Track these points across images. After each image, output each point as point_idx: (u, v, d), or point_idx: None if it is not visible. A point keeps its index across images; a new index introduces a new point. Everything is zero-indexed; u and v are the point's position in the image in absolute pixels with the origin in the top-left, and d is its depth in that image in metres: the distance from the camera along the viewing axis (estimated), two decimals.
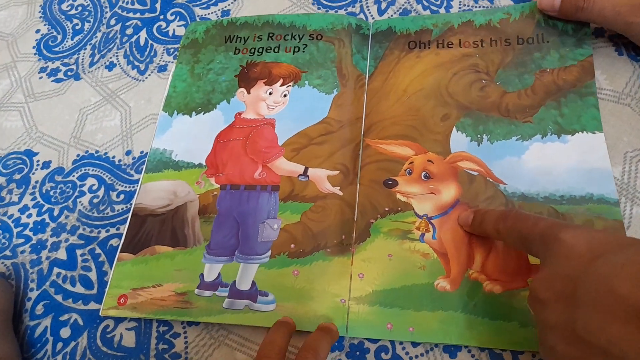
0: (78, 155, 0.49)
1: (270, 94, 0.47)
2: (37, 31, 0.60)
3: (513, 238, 0.32)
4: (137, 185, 0.46)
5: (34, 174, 0.49)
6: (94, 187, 0.47)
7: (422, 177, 0.40)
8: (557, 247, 0.27)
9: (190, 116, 0.48)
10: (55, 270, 0.44)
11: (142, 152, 0.48)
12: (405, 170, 0.40)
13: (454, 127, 0.41)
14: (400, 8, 0.50)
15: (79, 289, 0.43)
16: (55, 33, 0.59)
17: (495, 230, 0.33)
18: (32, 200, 0.48)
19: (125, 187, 0.47)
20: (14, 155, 0.51)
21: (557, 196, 0.37)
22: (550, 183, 0.38)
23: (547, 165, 0.38)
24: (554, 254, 0.27)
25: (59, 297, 0.43)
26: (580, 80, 0.41)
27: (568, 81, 0.41)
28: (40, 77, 0.56)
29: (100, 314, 0.40)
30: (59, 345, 0.41)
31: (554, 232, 0.28)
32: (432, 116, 0.42)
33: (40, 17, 0.61)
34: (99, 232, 0.45)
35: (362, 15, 0.51)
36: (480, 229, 0.36)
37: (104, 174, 0.48)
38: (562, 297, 0.26)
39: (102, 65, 0.55)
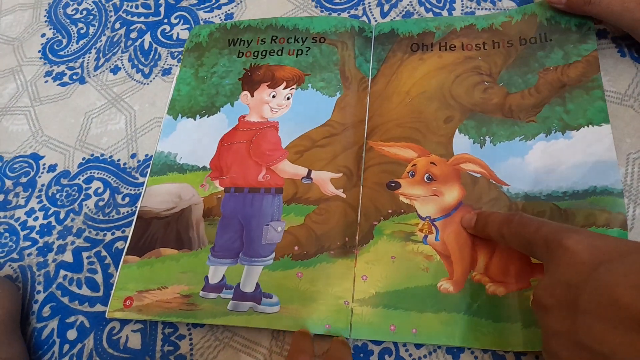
0: (83, 159, 0.50)
1: (273, 96, 0.47)
2: (43, 35, 0.61)
3: (517, 243, 0.32)
4: (142, 188, 0.46)
5: (40, 177, 0.50)
6: (100, 190, 0.48)
7: (425, 179, 0.40)
8: (560, 253, 0.27)
9: (195, 119, 0.48)
10: (62, 272, 0.44)
11: (146, 155, 0.48)
12: (408, 172, 0.41)
13: (457, 130, 0.42)
14: (403, 10, 0.50)
15: (85, 291, 0.43)
16: (60, 37, 0.60)
17: (498, 234, 0.34)
18: (38, 203, 0.48)
19: (131, 190, 0.47)
20: (21, 159, 0.52)
21: (559, 193, 0.37)
22: (554, 181, 0.38)
23: (551, 163, 0.38)
24: (557, 260, 0.27)
25: (65, 300, 0.43)
26: (585, 75, 0.40)
27: (573, 77, 0.41)
28: (46, 81, 0.56)
29: (106, 316, 0.41)
30: (66, 347, 0.41)
31: (557, 237, 0.28)
32: (435, 119, 0.42)
33: (46, 21, 0.62)
34: (104, 235, 0.45)
35: (364, 18, 0.51)
36: (484, 232, 0.36)
37: (109, 177, 0.48)
38: (564, 305, 0.26)
39: (106, 69, 0.55)
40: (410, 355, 0.36)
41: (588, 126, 0.39)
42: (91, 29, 0.59)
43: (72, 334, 0.41)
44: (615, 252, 0.26)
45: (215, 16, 0.56)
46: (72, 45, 0.59)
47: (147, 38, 0.56)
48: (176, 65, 0.53)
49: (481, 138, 0.41)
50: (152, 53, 0.55)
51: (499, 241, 0.36)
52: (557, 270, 0.27)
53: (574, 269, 0.26)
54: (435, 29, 0.47)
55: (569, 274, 0.26)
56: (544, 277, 0.28)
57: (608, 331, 0.23)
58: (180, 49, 0.54)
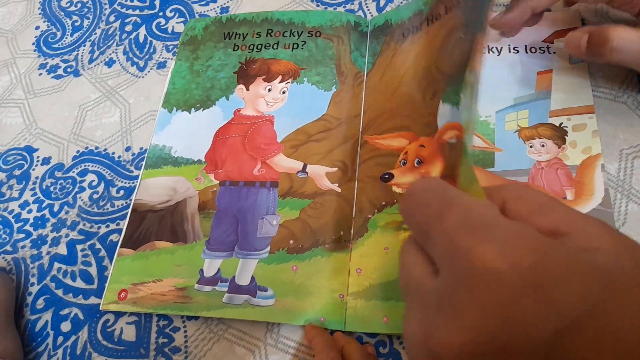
0: (78, 152, 0.50)
1: (269, 90, 0.47)
2: (37, 28, 0.60)
3: (411, 226, 0.22)
4: (137, 181, 0.46)
5: (34, 169, 0.50)
6: (94, 183, 0.47)
7: (415, 165, 0.40)
8: (472, 276, 0.18)
9: (190, 113, 0.48)
10: (56, 265, 0.44)
11: (141, 148, 0.48)
12: (400, 161, 0.41)
13: (440, 101, 0.40)
14: (399, 4, 0.50)
15: (80, 283, 0.43)
16: (54, 30, 0.59)
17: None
18: (32, 196, 0.48)
19: (125, 183, 0.47)
20: (14, 152, 0.51)
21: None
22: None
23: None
24: (469, 285, 0.18)
25: (59, 292, 0.43)
26: None
27: None
28: (40, 74, 0.56)
29: (100, 308, 0.40)
30: (60, 339, 0.41)
31: (464, 244, 0.18)
32: (422, 98, 0.41)
33: (40, 13, 0.61)
34: (99, 228, 0.45)
35: (360, 13, 0.51)
36: None
37: (103, 170, 0.48)
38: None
39: (101, 61, 0.55)
40: (404, 347, 0.36)
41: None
42: (86, 22, 0.59)
43: (66, 326, 0.41)
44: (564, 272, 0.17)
45: (211, 9, 0.56)
46: (66, 37, 0.58)
47: (142, 31, 0.56)
48: (171, 59, 0.53)
49: (458, 98, 0.38)
50: (147, 46, 0.55)
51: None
52: (469, 299, 0.17)
53: (499, 304, 0.17)
54: (424, 5, 0.45)
55: (492, 314, 0.17)
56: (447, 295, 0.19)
57: None
58: (175, 42, 0.54)
